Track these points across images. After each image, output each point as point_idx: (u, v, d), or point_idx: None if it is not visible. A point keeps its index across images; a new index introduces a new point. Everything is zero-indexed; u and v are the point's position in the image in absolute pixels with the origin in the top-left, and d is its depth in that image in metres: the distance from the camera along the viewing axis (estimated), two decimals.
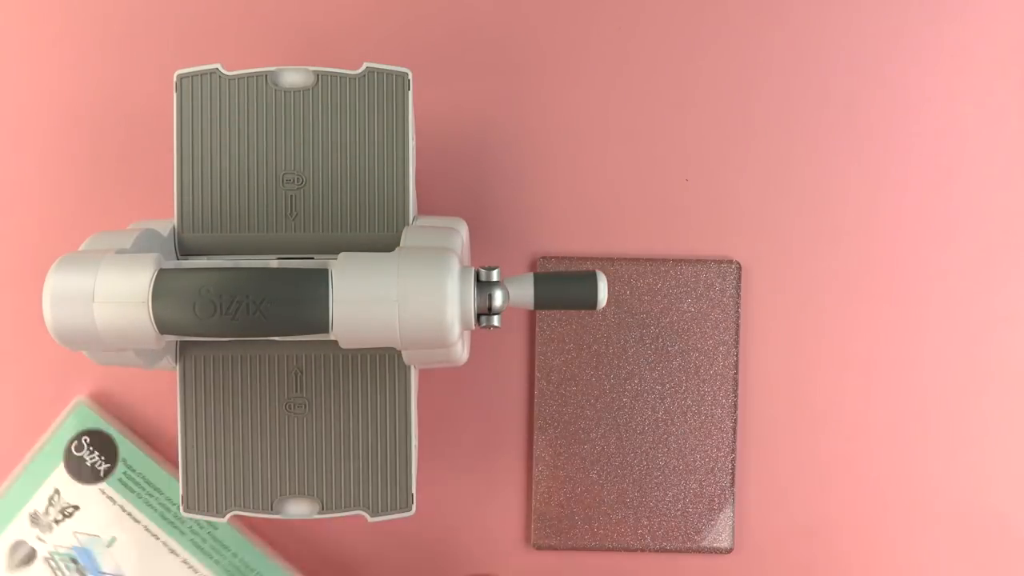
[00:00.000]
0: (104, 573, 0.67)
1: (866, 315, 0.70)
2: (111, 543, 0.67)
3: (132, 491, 0.68)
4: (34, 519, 0.68)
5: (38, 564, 0.67)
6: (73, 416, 0.67)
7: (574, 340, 0.68)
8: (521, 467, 0.70)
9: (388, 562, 0.70)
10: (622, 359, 0.68)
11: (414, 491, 0.58)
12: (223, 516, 0.57)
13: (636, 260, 0.69)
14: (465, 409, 0.70)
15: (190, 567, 0.67)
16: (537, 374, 0.69)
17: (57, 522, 0.67)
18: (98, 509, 0.67)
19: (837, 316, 0.70)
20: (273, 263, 0.56)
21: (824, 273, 0.70)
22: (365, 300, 0.50)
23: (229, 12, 0.69)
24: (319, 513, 0.58)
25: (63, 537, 0.68)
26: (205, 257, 0.57)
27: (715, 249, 0.70)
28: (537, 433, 0.69)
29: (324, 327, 0.50)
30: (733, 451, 0.68)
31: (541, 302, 0.56)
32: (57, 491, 0.68)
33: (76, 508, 0.68)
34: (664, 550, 0.69)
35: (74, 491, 0.67)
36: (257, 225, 0.57)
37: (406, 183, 0.58)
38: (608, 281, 0.59)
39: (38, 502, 0.67)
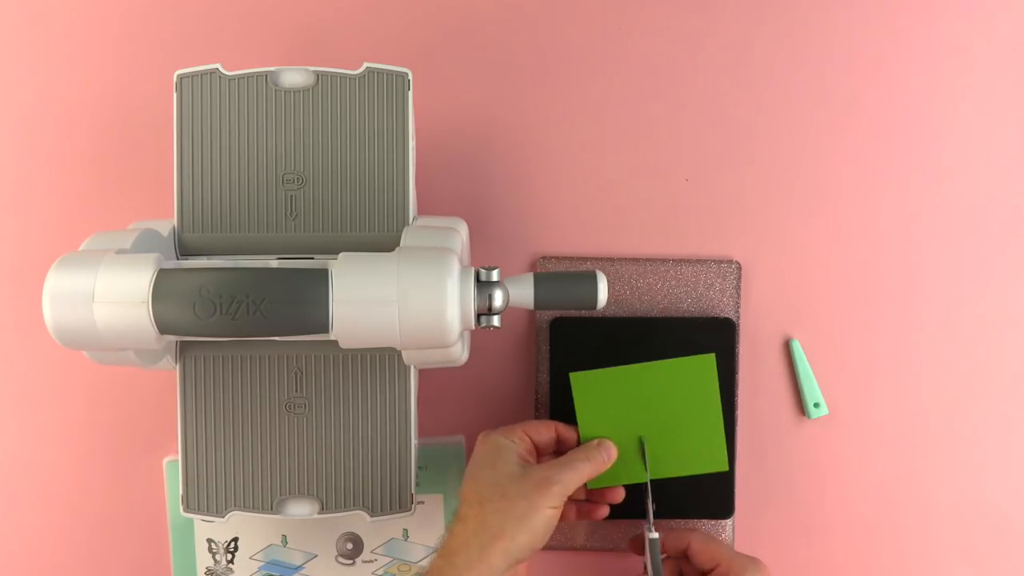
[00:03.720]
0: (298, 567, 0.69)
1: (865, 315, 0.70)
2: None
3: None
4: (211, 572, 0.69)
5: None
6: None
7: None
8: None
9: None
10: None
11: (414, 491, 0.58)
12: (223, 516, 0.57)
13: (636, 260, 0.69)
14: (465, 409, 0.70)
15: None
16: (538, 375, 0.69)
17: (230, 561, 0.69)
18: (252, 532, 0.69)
19: (836, 316, 0.70)
20: (273, 263, 0.56)
21: (824, 273, 0.70)
22: (365, 300, 0.50)
23: (229, 12, 0.69)
24: (319, 513, 0.58)
25: (246, 567, 0.69)
26: (205, 257, 0.57)
27: (715, 249, 0.70)
28: None
29: (324, 327, 0.50)
30: (733, 450, 0.68)
31: (541, 302, 0.56)
32: (210, 539, 0.69)
33: (236, 539, 0.69)
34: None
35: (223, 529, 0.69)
36: (257, 225, 0.57)
37: (406, 183, 0.58)
38: (608, 281, 0.59)
39: (203, 559, 0.69)
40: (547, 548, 0.66)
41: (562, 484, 0.57)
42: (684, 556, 0.62)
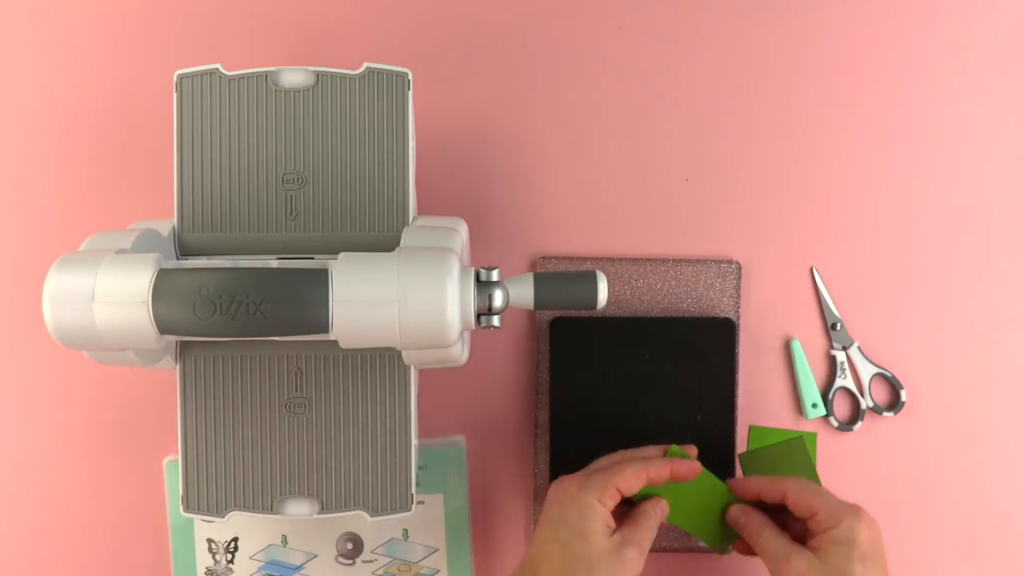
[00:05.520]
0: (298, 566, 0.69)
1: (866, 315, 0.70)
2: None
3: None
4: (211, 572, 0.69)
5: None
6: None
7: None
8: (523, 468, 0.70)
9: None
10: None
11: (414, 491, 0.58)
12: (223, 516, 0.57)
13: (636, 260, 0.69)
14: (465, 409, 0.70)
15: None
16: (538, 375, 0.69)
17: (230, 561, 0.69)
18: (252, 532, 0.69)
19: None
20: (273, 263, 0.56)
21: (823, 272, 0.70)
22: (365, 300, 0.50)
23: (229, 12, 0.69)
24: (319, 513, 0.58)
25: (246, 567, 0.69)
26: (205, 257, 0.57)
27: (715, 249, 0.70)
28: (537, 436, 0.69)
29: (324, 327, 0.50)
30: (733, 450, 0.68)
31: (541, 302, 0.56)
32: (210, 539, 0.69)
33: (236, 539, 0.69)
34: (664, 550, 0.69)
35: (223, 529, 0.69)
36: (257, 225, 0.57)
37: (406, 183, 0.58)
38: (608, 281, 0.59)
39: (203, 559, 0.69)
40: None
41: (641, 549, 0.57)
42: (784, 507, 0.60)
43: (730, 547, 0.63)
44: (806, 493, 0.58)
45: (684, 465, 0.60)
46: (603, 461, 0.61)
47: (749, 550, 0.61)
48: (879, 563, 0.56)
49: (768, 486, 0.60)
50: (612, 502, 0.57)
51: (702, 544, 0.69)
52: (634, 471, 0.58)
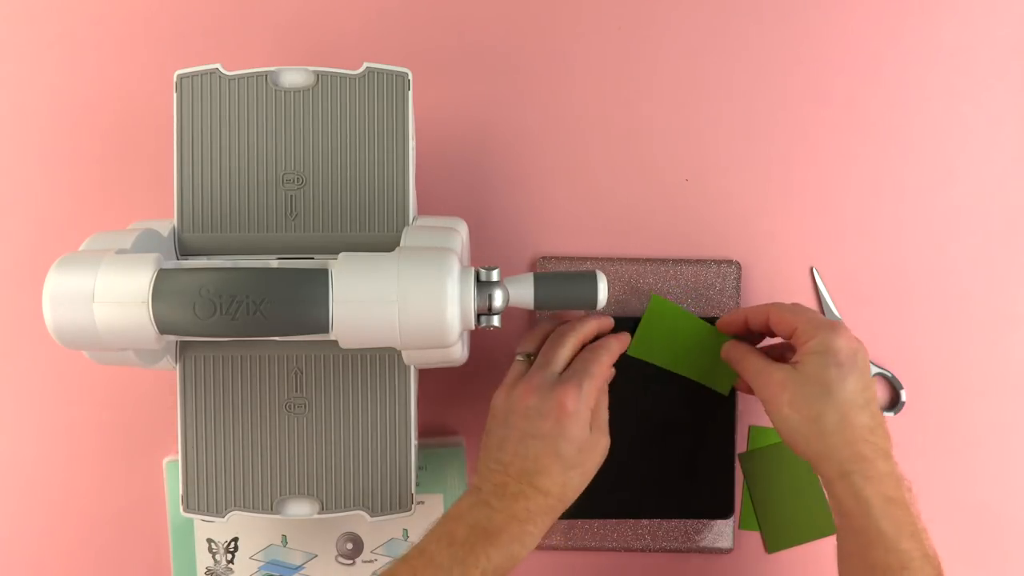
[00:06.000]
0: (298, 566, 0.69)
1: (866, 315, 0.70)
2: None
3: None
4: (211, 572, 0.69)
5: None
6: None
7: None
8: None
9: None
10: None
11: (414, 491, 0.58)
12: (223, 516, 0.57)
13: (636, 260, 0.69)
14: (465, 409, 0.70)
15: None
16: None
17: (230, 561, 0.69)
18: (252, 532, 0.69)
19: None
20: (273, 263, 0.56)
21: (823, 272, 0.70)
22: (365, 300, 0.50)
23: (229, 12, 0.69)
24: (319, 513, 0.58)
25: (246, 567, 0.69)
26: (205, 257, 0.57)
27: (715, 249, 0.70)
28: None
29: (324, 327, 0.50)
30: (733, 450, 0.68)
31: (541, 302, 0.56)
32: (210, 539, 0.69)
33: (236, 539, 0.69)
34: (664, 550, 0.69)
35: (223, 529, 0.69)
36: (257, 225, 0.57)
37: (406, 183, 0.58)
38: (608, 281, 0.60)
39: (203, 559, 0.69)
40: (549, 548, 0.66)
41: (606, 429, 0.59)
42: (769, 331, 0.62)
43: (731, 386, 0.66)
44: (786, 311, 0.60)
45: (606, 322, 0.64)
46: (561, 352, 0.60)
47: (749, 388, 0.62)
48: (858, 373, 0.56)
49: (753, 312, 0.62)
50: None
51: (703, 543, 0.69)
52: (608, 360, 0.61)
